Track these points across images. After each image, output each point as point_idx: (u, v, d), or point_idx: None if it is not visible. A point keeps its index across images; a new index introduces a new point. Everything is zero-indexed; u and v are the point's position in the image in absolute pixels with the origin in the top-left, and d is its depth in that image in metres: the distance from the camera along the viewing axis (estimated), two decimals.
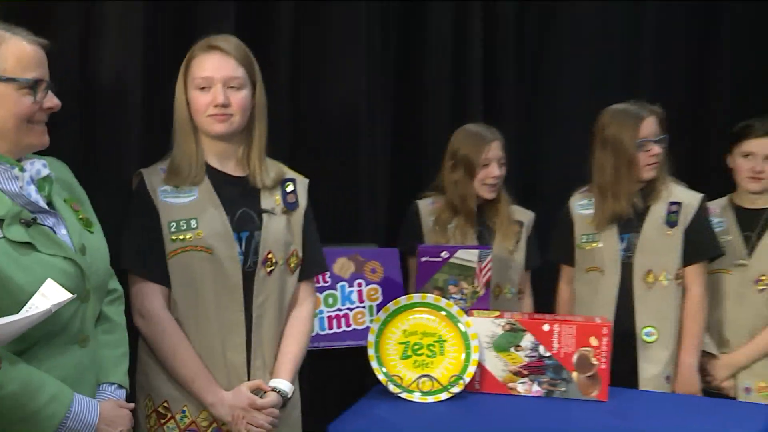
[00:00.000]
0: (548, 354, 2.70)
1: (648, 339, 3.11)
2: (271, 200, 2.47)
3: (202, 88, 2.35)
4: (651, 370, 3.09)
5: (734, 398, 3.18)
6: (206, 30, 2.57)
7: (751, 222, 3.26)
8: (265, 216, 2.43)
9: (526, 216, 3.32)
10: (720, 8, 4.21)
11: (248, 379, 2.41)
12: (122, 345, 2.13)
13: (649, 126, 3.11)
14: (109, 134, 2.63)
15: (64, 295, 1.67)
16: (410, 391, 2.64)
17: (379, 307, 3.02)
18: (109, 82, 2.61)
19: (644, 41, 4.17)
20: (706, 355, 3.20)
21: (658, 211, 3.13)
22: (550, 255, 3.36)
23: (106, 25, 2.60)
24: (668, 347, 3.10)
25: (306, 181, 2.58)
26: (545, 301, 3.38)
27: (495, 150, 3.18)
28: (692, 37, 4.25)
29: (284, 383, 2.44)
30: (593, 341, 2.67)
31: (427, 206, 3.27)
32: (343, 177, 2.71)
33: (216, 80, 2.34)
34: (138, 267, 2.35)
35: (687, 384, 3.10)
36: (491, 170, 3.16)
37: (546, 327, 2.70)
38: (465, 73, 3.87)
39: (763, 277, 3.19)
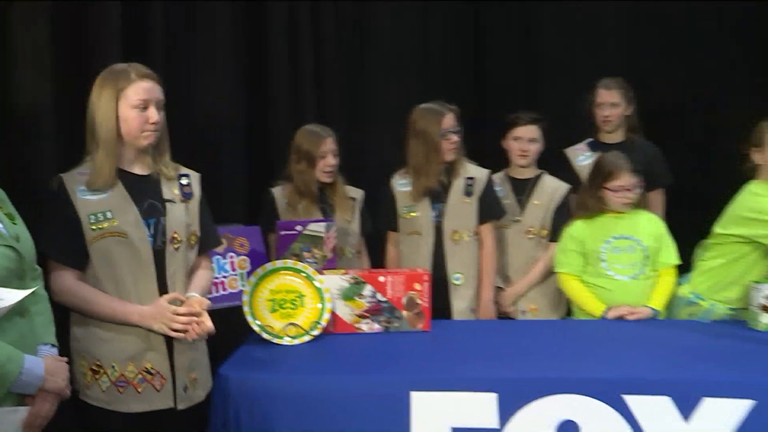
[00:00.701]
0: (384, 299, 2.98)
1: (457, 282, 3.45)
2: (171, 192, 2.56)
3: (139, 108, 2.41)
4: (460, 305, 3.44)
5: (515, 318, 3.59)
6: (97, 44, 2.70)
7: (522, 188, 3.66)
8: (168, 204, 2.52)
9: (357, 193, 3.53)
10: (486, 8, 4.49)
11: (165, 342, 2.50)
12: (48, 312, 2.25)
13: (449, 120, 3.42)
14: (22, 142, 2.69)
15: (14, 297, 1.91)
16: (280, 337, 2.81)
17: (249, 273, 3.11)
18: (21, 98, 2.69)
19: (430, 47, 4.45)
20: (497, 290, 3.57)
21: (458, 185, 3.45)
22: (379, 224, 3.61)
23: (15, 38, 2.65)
24: (472, 287, 3.46)
25: (198, 175, 2.70)
26: (377, 260, 3.64)
27: (330, 144, 3.37)
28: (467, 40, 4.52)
29: (196, 294, 2.53)
30: (417, 286, 2.99)
31: (279, 192, 3.41)
32: (210, 173, 2.85)
33: (151, 102, 2.43)
34: (55, 253, 2.41)
35: (486, 312, 3.48)
36: (328, 160, 3.36)
37: (381, 278, 2.99)
38: (301, 82, 4.08)
39: (531, 229, 3.60)
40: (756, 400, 2.36)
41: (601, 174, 3.29)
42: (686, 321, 3.28)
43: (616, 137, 3.83)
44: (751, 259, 3.16)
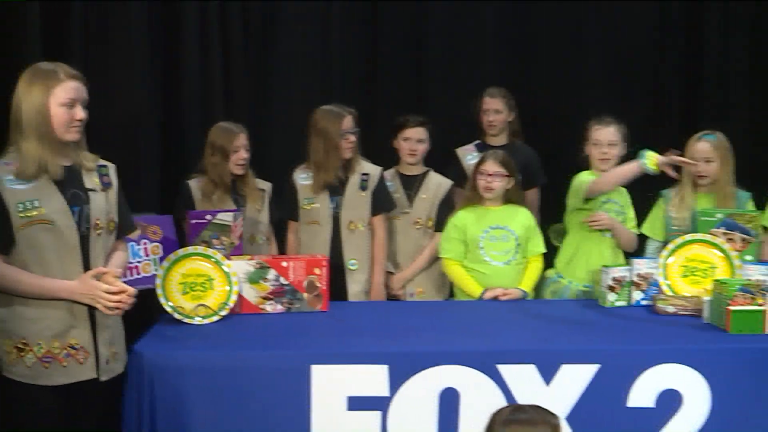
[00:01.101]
0: (287, 282, 3.08)
1: (352, 267, 3.57)
2: (92, 182, 2.58)
3: (67, 106, 2.43)
4: (355, 288, 3.57)
5: (403, 300, 3.74)
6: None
7: (410, 184, 3.80)
8: (90, 193, 2.54)
9: (266, 185, 3.62)
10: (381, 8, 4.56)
11: (89, 319, 2.52)
12: None
13: (348, 122, 3.53)
14: None
15: None
16: (191, 317, 2.87)
17: (161, 259, 3.14)
18: None
19: (330, 51, 4.49)
20: (387, 274, 3.71)
21: (354, 180, 3.57)
22: (281, 214, 3.67)
23: None
24: (365, 272, 3.59)
25: (114, 166, 2.71)
26: (281, 247, 3.71)
27: (242, 139, 3.46)
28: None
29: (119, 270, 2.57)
30: (317, 271, 3.11)
31: (195, 184, 3.48)
32: (126, 166, 2.86)
33: (78, 101, 2.46)
34: None
35: (378, 295, 3.62)
36: (240, 154, 3.44)
37: (284, 263, 3.09)
38: (211, 81, 4.13)
39: (419, 220, 3.74)
40: (601, 363, 2.62)
41: (477, 164, 3.49)
42: (550, 300, 3.55)
43: (500, 140, 4.05)
44: (593, 240, 3.52)
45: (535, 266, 3.53)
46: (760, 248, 3.34)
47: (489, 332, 2.90)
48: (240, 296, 3.01)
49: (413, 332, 2.86)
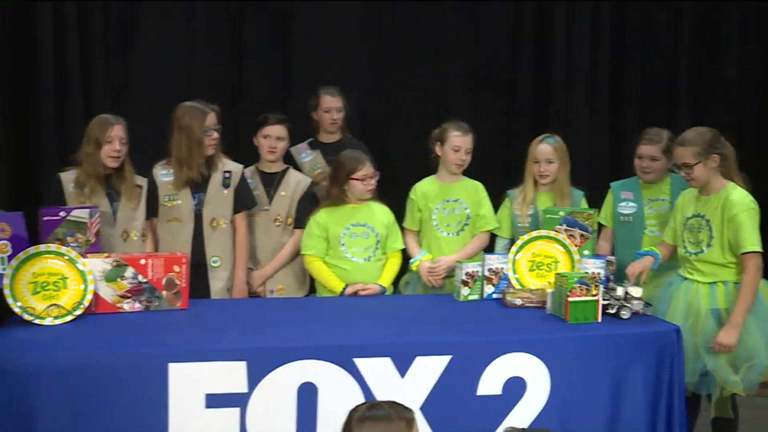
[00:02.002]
0: (145, 280, 3.00)
1: (214, 265, 3.50)
2: None
3: None
4: (217, 285, 3.50)
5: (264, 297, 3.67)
6: None
7: (270, 181, 3.74)
8: None
9: (143, 181, 3.45)
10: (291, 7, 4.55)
11: None
12: None
13: (211, 118, 3.46)
14: None
15: None
16: (42, 318, 2.76)
17: (10, 257, 2.91)
18: None
19: (195, 47, 4.42)
20: (248, 271, 3.64)
21: (216, 178, 3.51)
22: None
23: None
24: (227, 269, 3.52)
25: None
26: None
27: (117, 131, 3.28)
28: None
29: None
30: (176, 268, 3.05)
31: (68, 176, 3.31)
32: None
33: None
34: None
35: (239, 292, 3.54)
36: (114, 145, 3.27)
37: (143, 261, 3.01)
38: (68, 78, 3.97)
39: (278, 217, 3.69)
40: (452, 355, 2.70)
41: (345, 169, 3.51)
42: (408, 295, 3.63)
43: (335, 137, 4.09)
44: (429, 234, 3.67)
45: (394, 262, 3.60)
46: (595, 243, 3.55)
47: (347, 327, 2.93)
48: (96, 295, 2.92)
49: (272, 328, 2.85)
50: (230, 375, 2.57)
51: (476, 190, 3.72)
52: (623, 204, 3.73)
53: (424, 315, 3.14)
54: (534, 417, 2.80)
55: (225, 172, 3.55)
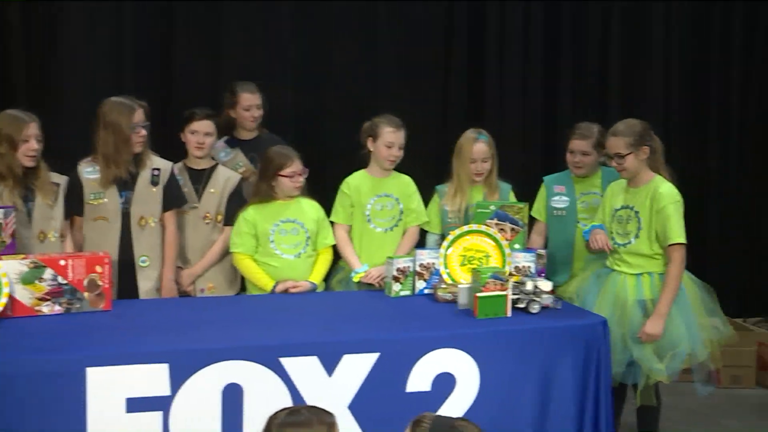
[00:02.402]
0: (65, 282, 2.88)
1: (143, 264, 3.38)
2: None
3: None
4: (146, 285, 3.38)
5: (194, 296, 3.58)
6: None
7: (198, 178, 3.64)
8: None
9: (61, 179, 3.32)
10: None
11: None
12: None
13: (139, 115, 3.32)
14: None
15: None
16: None
17: None
18: None
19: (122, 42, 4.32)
20: (178, 270, 3.53)
21: (145, 175, 3.39)
22: (67, 210, 3.33)
23: None
24: (156, 269, 3.41)
25: None
26: None
27: (33, 129, 3.15)
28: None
29: None
30: (98, 269, 2.94)
31: None
32: None
33: None
34: None
35: (168, 291, 3.44)
36: (30, 144, 3.13)
37: (62, 262, 2.89)
38: None
39: (208, 214, 3.59)
40: (380, 352, 2.67)
41: (273, 164, 3.44)
42: (339, 292, 3.58)
43: (252, 134, 4.00)
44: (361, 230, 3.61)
45: (325, 258, 3.55)
46: (526, 237, 3.56)
47: (273, 326, 2.86)
48: (12, 298, 2.79)
49: (196, 329, 2.76)
50: (152, 378, 2.48)
51: (407, 184, 3.69)
52: (556, 198, 3.75)
53: (353, 312, 3.09)
54: (464, 412, 2.78)
55: (154, 169, 3.44)
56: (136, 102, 3.38)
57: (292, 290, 3.37)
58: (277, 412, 1.91)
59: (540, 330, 2.89)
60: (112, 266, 3.28)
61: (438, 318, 3.00)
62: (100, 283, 2.97)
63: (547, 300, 3.07)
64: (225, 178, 3.67)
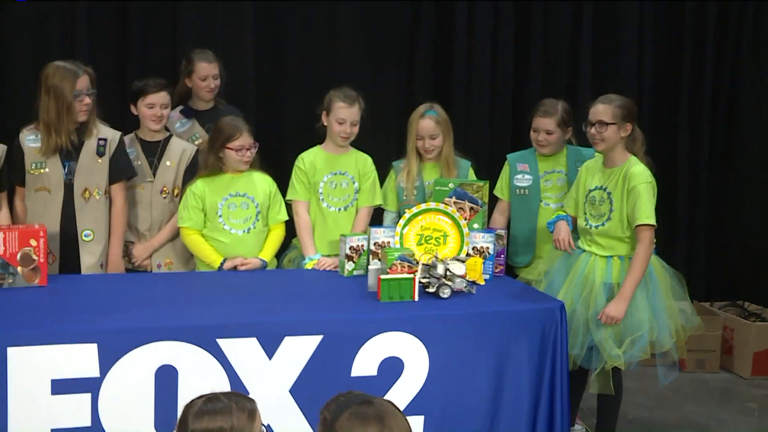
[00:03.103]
0: None
1: (86, 239, 3.21)
2: None
3: None
4: (90, 260, 3.21)
5: (150, 272, 3.41)
6: None
7: (152, 150, 3.46)
8: None
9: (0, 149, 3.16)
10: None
11: None
12: None
13: (84, 81, 3.15)
14: None
15: None
16: None
17: None
18: None
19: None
20: (129, 244, 3.39)
21: (90, 145, 3.21)
22: (3, 180, 3.19)
23: None
24: (101, 243, 3.24)
25: None
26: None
27: None
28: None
29: None
30: (33, 242, 2.80)
31: None
32: None
33: None
34: None
35: (115, 267, 3.29)
36: None
37: None
38: None
39: (164, 188, 3.43)
40: (324, 334, 2.53)
41: (221, 136, 3.28)
42: (288, 270, 3.44)
43: (209, 105, 3.82)
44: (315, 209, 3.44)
45: (276, 234, 3.40)
46: (486, 216, 3.42)
47: (213, 305, 2.71)
48: None
49: (130, 307, 2.61)
50: (79, 359, 2.35)
51: (364, 162, 3.53)
52: (519, 176, 3.62)
53: (300, 292, 2.95)
54: (411, 398, 2.67)
55: (100, 139, 3.25)
56: (81, 67, 3.19)
57: (241, 267, 3.23)
58: (193, 400, 1.78)
59: (494, 314, 2.77)
60: (55, 240, 3.17)
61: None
62: (34, 257, 2.82)
63: (460, 284, 2.89)
64: (181, 150, 3.49)
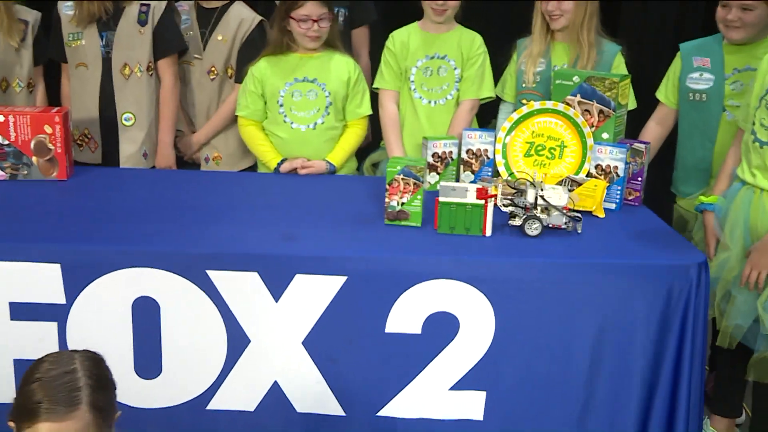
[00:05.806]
0: (7, 142, 2.40)
1: (127, 123, 2.81)
2: None
3: None
4: (130, 149, 2.82)
5: (199, 166, 2.97)
6: None
7: (207, 19, 2.90)
8: None
9: (32, 15, 2.80)
10: None
11: None
12: None
13: None
14: None
15: None
16: None
17: None
18: None
19: None
20: (179, 134, 2.94)
21: (131, 12, 2.75)
22: (39, 54, 2.83)
23: None
24: (144, 129, 2.81)
25: None
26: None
27: None
28: None
29: None
30: (48, 129, 2.43)
31: None
32: None
33: None
34: None
35: (164, 159, 2.88)
36: None
37: (2, 117, 2.39)
38: None
39: (213, 68, 2.89)
40: (347, 276, 1.94)
41: (286, 2, 2.63)
42: (357, 178, 2.80)
43: None
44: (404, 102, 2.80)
45: (354, 132, 2.76)
46: (620, 124, 2.52)
47: (213, 224, 2.12)
48: None
49: (114, 221, 2.11)
50: (41, 281, 1.93)
51: (471, 42, 2.73)
52: (695, 75, 2.62)
53: (342, 212, 2.29)
54: (468, 368, 2.02)
55: (142, 5, 2.77)
56: None
57: (302, 171, 2.66)
58: (35, 363, 1.46)
59: (597, 267, 1.99)
60: (95, 124, 2.80)
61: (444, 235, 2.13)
62: (50, 146, 2.44)
63: (557, 220, 2.11)
64: (238, 21, 2.89)
